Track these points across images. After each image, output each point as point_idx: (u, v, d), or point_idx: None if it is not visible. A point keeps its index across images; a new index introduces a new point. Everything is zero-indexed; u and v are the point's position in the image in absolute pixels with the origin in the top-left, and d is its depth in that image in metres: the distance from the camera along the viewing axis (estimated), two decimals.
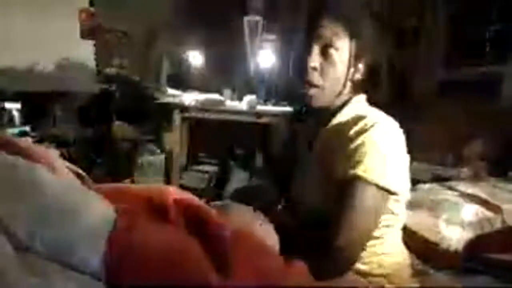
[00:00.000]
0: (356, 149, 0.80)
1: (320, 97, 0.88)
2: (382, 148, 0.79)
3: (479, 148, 1.82)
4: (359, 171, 0.77)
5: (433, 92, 2.50)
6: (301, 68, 0.87)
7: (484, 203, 1.19)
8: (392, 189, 0.79)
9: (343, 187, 0.80)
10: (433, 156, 1.83)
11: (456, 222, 1.16)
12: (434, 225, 1.17)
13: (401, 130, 0.85)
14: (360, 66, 0.89)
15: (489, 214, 1.16)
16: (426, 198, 1.28)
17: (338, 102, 0.91)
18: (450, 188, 1.34)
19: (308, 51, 0.85)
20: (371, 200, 0.78)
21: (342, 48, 0.85)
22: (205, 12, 3.06)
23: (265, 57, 3.19)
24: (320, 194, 0.88)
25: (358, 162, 0.78)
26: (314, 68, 0.85)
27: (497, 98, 1.98)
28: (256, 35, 3.19)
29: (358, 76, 0.90)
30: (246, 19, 3.16)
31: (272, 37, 3.17)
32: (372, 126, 0.81)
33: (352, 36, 0.86)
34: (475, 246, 1.11)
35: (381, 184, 0.77)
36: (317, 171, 0.91)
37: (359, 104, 0.92)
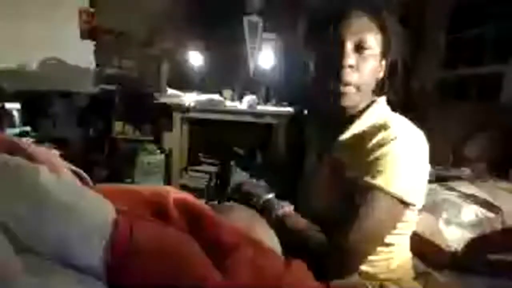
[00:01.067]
0: (378, 159, 0.76)
1: (353, 96, 0.83)
2: (404, 161, 0.76)
3: (479, 148, 1.82)
4: (380, 182, 0.75)
5: (433, 92, 2.51)
6: (334, 67, 0.81)
7: (484, 203, 1.19)
8: (411, 201, 0.77)
9: (360, 195, 0.76)
10: (433, 156, 1.82)
11: (456, 222, 1.16)
12: (434, 226, 1.17)
13: (424, 140, 0.81)
14: (383, 64, 0.86)
15: (489, 214, 1.15)
16: (426, 199, 1.28)
17: (360, 106, 0.87)
18: (450, 189, 1.33)
19: (341, 49, 0.80)
20: (388, 211, 0.76)
21: (373, 43, 0.82)
22: (205, 12, 3.06)
23: (265, 57, 3.19)
24: (333, 202, 0.86)
25: (379, 172, 0.75)
26: (351, 66, 0.80)
27: (497, 98, 1.98)
28: (256, 35, 3.19)
29: (381, 75, 0.87)
30: (246, 19, 3.16)
31: (272, 37, 3.18)
32: (395, 137, 0.77)
33: (381, 30, 0.83)
34: (475, 246, 1.11)
35: (402, 197, 0.75)
36: (331, 180, 0.88)
37: (380, 109, 0.87)
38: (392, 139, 0.77)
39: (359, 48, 0.81)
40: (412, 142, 0.79)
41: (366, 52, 0.81)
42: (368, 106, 0.87)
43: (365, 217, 0.74)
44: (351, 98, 0.83)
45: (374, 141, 0.79)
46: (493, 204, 1.18)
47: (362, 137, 0.83)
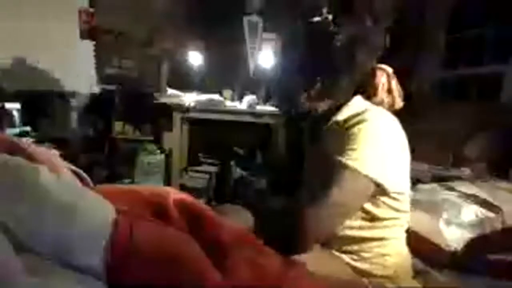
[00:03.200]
0: (350, 139, 0.81)
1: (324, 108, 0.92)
2: (374, 142, 0.80)
3: (479, 148, 1.82)
4: (349, 159, 0.78)
5: (433, 92, 2.50)
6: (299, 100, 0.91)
7: (484, 203, 1.19)
8: (380, 182, 0.79)
9: (331, 172, 0.81)
10: (433, 156, 1.83)
11: (456, 222, 1.16)
12: (434, 225, 1.17)
13: (399, 127, 0.85)
14: None
15: (489, 214, 1.15)
16: (426, 199, 1.28)
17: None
18: (450, 189, 1.34)
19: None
20: (355, 188, 0.79)
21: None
22: (205, 12, 3.06)
23: (265, 57, 3.19)
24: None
25: (349, 151, 0.79)
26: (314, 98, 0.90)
27: (497, 98, 1.98)
28: (256, 35, 3.20)
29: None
30: (246, 19, 3.17)
31: (272, 37, 3.18)
32: (368, 120, 0.82)
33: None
34: (475, 246, 1.11)
35: (369, 175, 0.78)
36: (321, 169, 0.91)
37: (357, 102, 0.92)
38: (364, 122, 0.82)
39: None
40: (384, 126, 0.83)
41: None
42: (347, 100, 0.92)
43: (333, 192, 0.78)
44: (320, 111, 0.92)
45: (350, 124, 0.85)
46: (493, 204, 1.18)
47: (342, 124, 0.88)
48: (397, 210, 0.86)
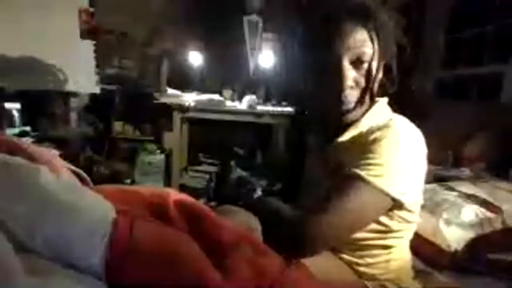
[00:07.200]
0: (371, 154, 0.76)
1: (356, 111, 0.83)
2: (399, 157, 0.75)
3: (479, 148, 1.82)
4: (371, 176, 0.73)
5: (433, 92, 2.51)
6: (335, 89, 0.80)
7: (484, 203, 1.19)
8: (398, 198, 0.75)
9: (345, 183, 0.75)
10: (433, 156, 1.82)
11: (456, 222, 1.16)
12: (434, 226, 1.17)
13: (423, 142, 0.81)
14: (381, 64, 0.83)
15: (489, 214, 1.15)
16: (426, 199, 1.27)
17: (360, 112, 0.85)
18: (450, 189, 1.34)
19: (338, 70, 0.78)
20: (370, 204, 0.75)
21: (370, 51, 0.79)
22: (205, 12, 3.07)
23: (265, 57, 3.19)
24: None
25: (369, 165, 0.74)
26: (352, 87, 0.80)
27: (497, 98, 1.98)
28: (256, 35, 3.20)
29: (379, 76, 0.83)
30: (246, 19, 3.17)
31: (272, 37, 3.18)
32: (393, 132, 0.77)
33: (378, 37, 0.79)
34: (475, 246, 1.11)
35: (389, 192, 0.74)
36: (329, 179, 0.86)
37: (380, 111, 0.87)
38: (388, 135, 0.77)
39: (357, 62, 0.79)
40: (408, 140, 0.78)
41: (365, 65, 0.79)
42: (367, 109, 0.86)
43: (350, 204, 0.73)
44: (354, 114, 0.83)
45: (371, 138, 0.79)
46: (493, 204, 1.18)
47: (361, 137, 0.83)
48: (410, 222, 0.85)
